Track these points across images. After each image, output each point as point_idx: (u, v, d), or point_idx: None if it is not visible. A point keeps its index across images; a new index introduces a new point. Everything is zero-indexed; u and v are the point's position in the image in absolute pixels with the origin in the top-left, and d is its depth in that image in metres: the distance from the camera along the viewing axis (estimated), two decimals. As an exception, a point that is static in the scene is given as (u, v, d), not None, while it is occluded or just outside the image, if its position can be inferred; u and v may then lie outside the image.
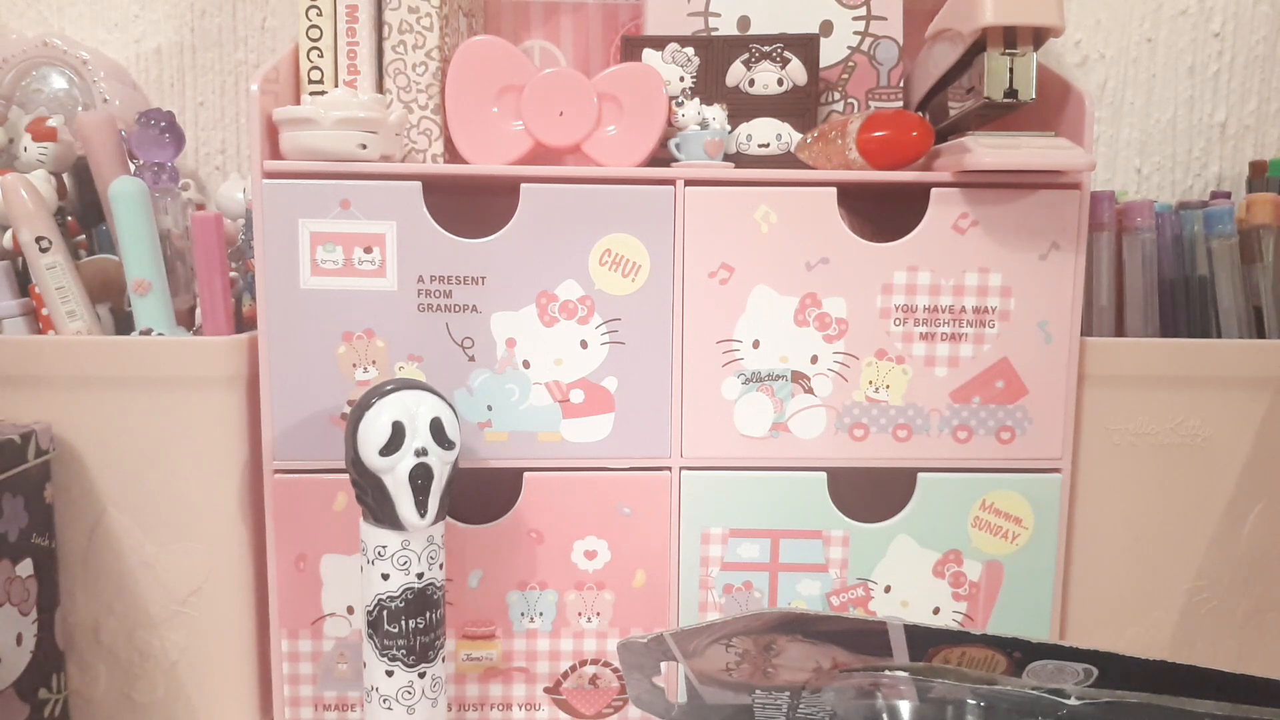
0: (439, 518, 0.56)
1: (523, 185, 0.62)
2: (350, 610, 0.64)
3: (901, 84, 0.71)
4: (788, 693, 0.55)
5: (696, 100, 0.66)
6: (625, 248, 0.63)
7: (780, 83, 0.67)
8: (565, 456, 0.64)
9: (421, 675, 0.57)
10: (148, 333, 0.63)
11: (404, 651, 0.56)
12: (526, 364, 0.63)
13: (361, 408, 0.55)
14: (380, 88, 0.66)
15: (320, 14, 0.65)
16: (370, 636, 0.57)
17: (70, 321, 0.64)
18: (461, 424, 0.61)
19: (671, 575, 0.66)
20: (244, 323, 0.71)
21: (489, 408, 0.64)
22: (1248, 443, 0.67)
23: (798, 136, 0.67)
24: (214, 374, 0.62)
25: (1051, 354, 0.65)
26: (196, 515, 0.63)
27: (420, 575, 0.56)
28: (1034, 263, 0.64)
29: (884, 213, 0.70)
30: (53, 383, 0.61)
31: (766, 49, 0.67)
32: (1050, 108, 0.68)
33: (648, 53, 0.67)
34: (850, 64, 0.71)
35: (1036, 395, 0.65)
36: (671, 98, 0.66)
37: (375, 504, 0.55)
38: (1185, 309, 0.70)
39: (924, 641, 0.52)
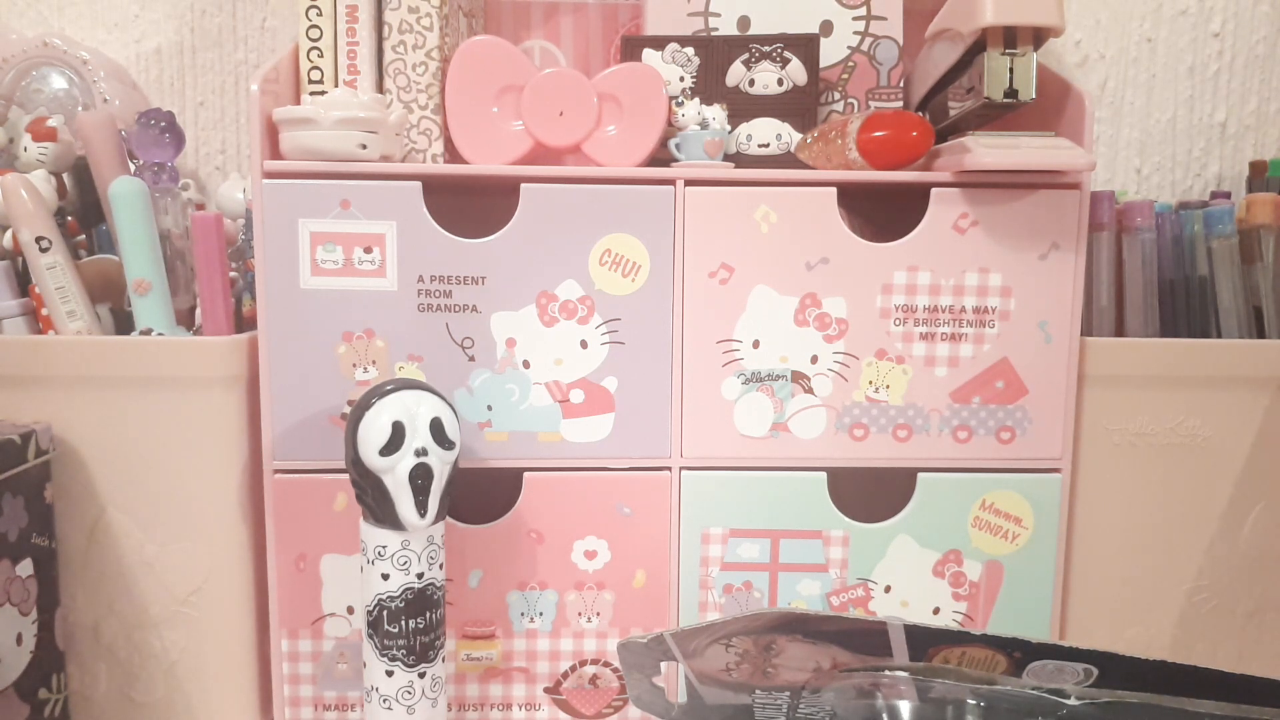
0: (439, 518, 0.56)
1: (523, 185, 0.62)
2: (350, 610, 0.64)
3: (901, 84, 0.71)
4: (788, 693, 0.55)
5: (696, 100, 0.66)
6: (625, 248, 0.63)
7: (780, 83, 0.67)
8: (565, 456, 0.64)
9: (421, 675, 0.57)
10: (148, 333, 0.63)
11: (404, 651, 0.56)
12: (526, 364, 0.63)
13: (361, 408, 0.55)
14: (380, 88, 0.66)
15: (320, 14, 0.65)
16: (370, 636, 0.57)
17: (70, 321, 0.64)
18: (461, 424, 0.61)
19: (671, 575, 0.66)
20: (244, 323, 0.71)
21: (489, 408, 0.64)
22: (1248, 443, 0.67)
23: (798, 136, 0.67)
24: (214, 374, 0.62)
25: (1051, 354, 0.65)
26: (196, 515, 0.63)
27: (420, 575, 0.56)
28: (1034, 263, 0.64)
29: (884, 213, 0.70)
30: (53, 383, 0.61)
31: (766, 49, 0.67)
32: (1050, 108, 0.68)
33: (648, 53, 0.67)
34: (850, 64, 0.71)
35: (1036, 395, 0.65)
36: (671, 98, 0.66)
37: (375, 504, 0.55)
38: (1185, 309, 0.70)
39: (924, 641, 0.52)
